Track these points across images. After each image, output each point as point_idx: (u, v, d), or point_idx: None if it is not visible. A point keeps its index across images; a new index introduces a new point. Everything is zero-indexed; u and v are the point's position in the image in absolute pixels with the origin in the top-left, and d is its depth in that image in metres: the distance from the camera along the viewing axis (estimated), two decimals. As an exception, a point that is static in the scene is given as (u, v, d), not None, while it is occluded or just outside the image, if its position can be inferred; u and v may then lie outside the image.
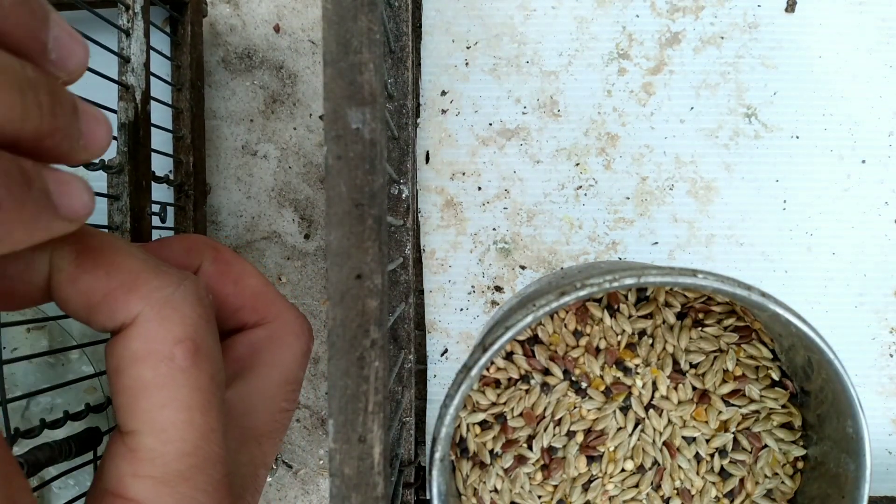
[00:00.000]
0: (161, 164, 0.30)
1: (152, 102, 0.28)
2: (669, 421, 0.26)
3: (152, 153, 0.28)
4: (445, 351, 0.35)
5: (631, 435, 0.26)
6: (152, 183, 0.29)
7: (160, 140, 0.30)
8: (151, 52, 0.28)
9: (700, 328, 0.26)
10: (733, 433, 0.26)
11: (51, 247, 0.17)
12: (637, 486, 0.26)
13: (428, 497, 0.25)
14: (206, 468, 0.17)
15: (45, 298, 0.18)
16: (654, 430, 0.26)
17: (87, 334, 0.32)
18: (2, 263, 0.16)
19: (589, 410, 0.26)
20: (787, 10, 0.34)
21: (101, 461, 0.18)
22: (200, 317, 0.17)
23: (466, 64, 0.34)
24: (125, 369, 0.17)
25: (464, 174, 0.35)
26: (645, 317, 0.26)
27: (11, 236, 0.14)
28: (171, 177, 0.32)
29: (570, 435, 0.26)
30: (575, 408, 0.26)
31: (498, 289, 0.35)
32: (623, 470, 0.26)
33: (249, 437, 0.20)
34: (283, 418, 0.21)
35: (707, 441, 0.26)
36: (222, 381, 0.18)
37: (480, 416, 0.26)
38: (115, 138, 0.27)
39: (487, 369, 0.26)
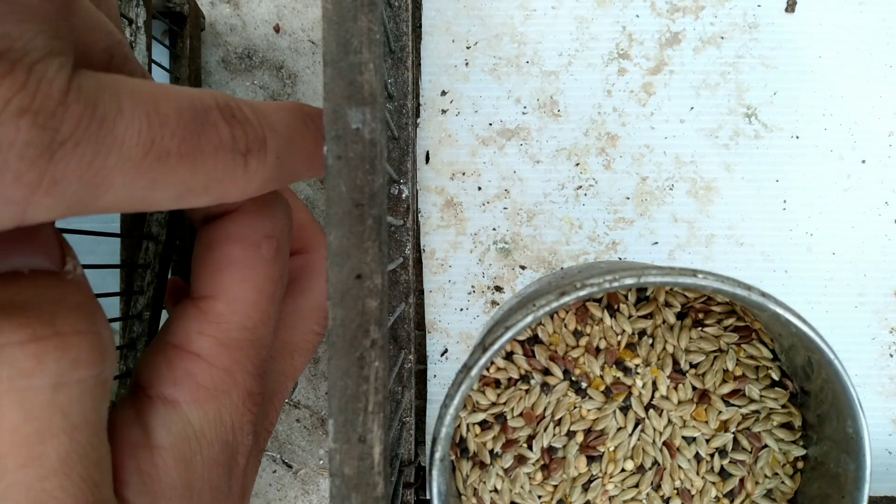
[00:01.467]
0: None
1: None
2: (669, 421, 0.26)
3: None
4: (445, 351, 0.35)
5: (631, 435, 0.26)
6: None
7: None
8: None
9: (700, 328, 0.26)
10: (733, 433, 0.26)
11: None
12: (637, 486, 0.26)
13: (428, 497, 0.25)
14: (256, 346, 0.20)
15: None
16: (654, 430, 0.26)
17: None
18: None
19: (589, 410, 0.26)
20: (787, 10, 0.34)
21: (168, 321, 0.20)
22: (286, 225, 0.21)
23: (466, 64, 0.34)
24: (218, 245, 0.19)
25: (464, 174, 0.35)
26: (645, 317, 0.26)
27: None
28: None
29: (570, 435, 0.26)
30: (575, 408, 0.26)
31: (498, 289, 0.35)
32: (623, 470, 0.26)
33: (285, 349, 0.23)
34: (313, 339, 0.24)
35: (707, 441, 0.26)
36: (284, 284, 0.21)
37: (480, 416, 0.26)
38: None
39: (487, 369, 0.26)
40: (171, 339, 0.19)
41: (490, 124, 0.34)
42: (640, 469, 0.26)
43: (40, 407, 0.14)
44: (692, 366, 0.26)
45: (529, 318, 0.22)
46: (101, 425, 0.16)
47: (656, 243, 0.35)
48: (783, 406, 0.26)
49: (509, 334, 0.22)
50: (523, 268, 0.35)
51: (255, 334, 0.20)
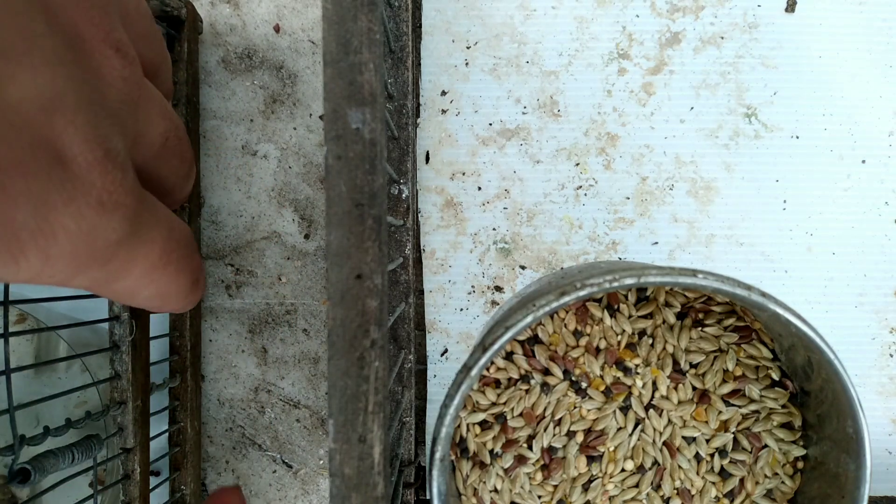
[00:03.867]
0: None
1: None
2: (669, 421, 0.26)
3: None
4: (445, 351, 0.35)
5: (631, 435, 0.26)
6: None
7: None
8: None
9: (700, 328, 0.26)
10: (733, 433, 0.26)
11: None
12: (637, 486, 0.26)
13: (428, 497, 0.25)
14: None
15: None
16: (654, 430, 0.26)
17: (78, 343, 0.32)
18: None
19: (589, 410, 0.26)
20: (787, 10, 0.34)
21: None
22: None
23: (466, 64, 0.34)
24: None
25: (464, 174, 0.35)
26: (645, 317, 0.26)
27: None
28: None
29: (570, 435, 0.26)
30: (575, 408, 0.26)
31: (498, 289, 0.35)
32: (623, 470, 0.26)
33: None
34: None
35: (707, 441, 0.26)
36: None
37: (480, 416, 0.26)
38: None
39: (487, 369, 0.26)
40: None
41: (490, 124, 0.34)
42: (640, 469, 0.26)
43: None
44: (692, 366, 0.26)
45: (529, 318, 0.22)
46: None
47: (656, 243, 0.35)
48: (783, 406, 0.26)
49: (509, 334, 0.22)
50: (523, 268, 0.35)
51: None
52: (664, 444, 0.26)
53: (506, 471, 0.26)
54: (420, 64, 0.35)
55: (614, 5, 0.34)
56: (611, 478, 0.26)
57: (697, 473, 0.26)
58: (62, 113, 0.14)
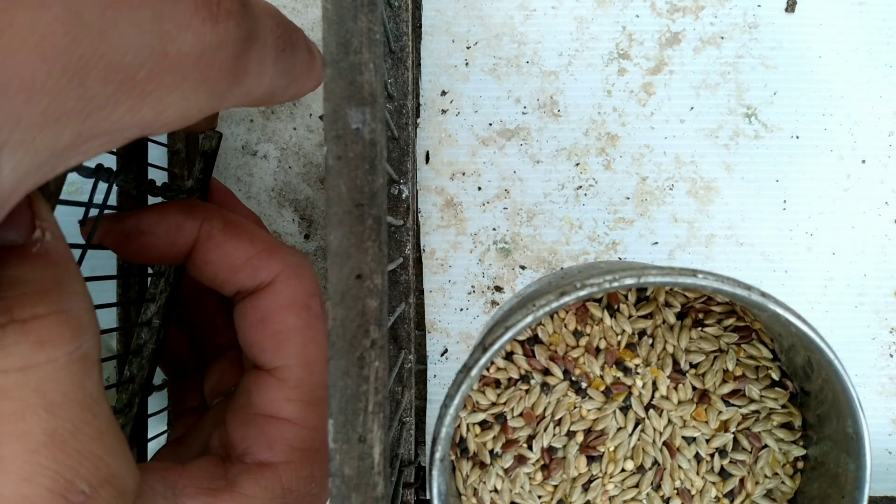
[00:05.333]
0: (157, 178, 0.31)
1: None
2: (669, 421, 0.26)
3: (148, 167, 0.29)
4: (445, 351, 0.35)
5: (631, 435, 0.26)
6: (149, 196, 0.30)
7: (156, 154, 0.31)
8: None
9: (700, 328, 0.26)
10: (733, 433, 0.26)
11: (202, 216, 0.21)
12: (637, 486, 0.26)
13: (428, 497, 0.25)
14: None
15: (178, 260, 0.22)
16: (654, 430, 0.26)
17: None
18: (155, 222, 0.21)
19: (589, 410, 0.26)
20: (787, 10, 0.34)
21: (248, 394, 0.21)
22: (318, 281, 0.22)
23: (466, 64, 0.34)
24: (272, 317, 0.20)
25: (464, 174, 0.35)
26: (645, 317, 0.26)
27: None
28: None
29: (570, 435, 0.26)
30: (575, 408, 0.26)
31: (498, 289, 0.35)
32: (623, 470, 0.26)
33: None
34: None
35: (707, 441, 0.26)
36: None
37: (480, 416, 0.26)
38: (112, 153, 0.28)
39: (487, 369, 0.26)
40: (260, 409, 0.20)
41: (490, 124, 0.34)
42: (640, 469, 0.26)
43: (12, 388, 0.14)
44: (692, 366, 0.26)
45: (529, 318, 0.22)
46: (92, 400, 0.16)
47: (656, 243, 0.35)
48: (783, 406, 0.26)
49: (509, 334, 0.22)
50: (523, 268, 0.35)
51: None
52: (664, 444, 0.26)
53: (506, 471, 0.26)
54: (420, 64, 0.35)
55: (614, 5, 0.34)
56: (611, 478, 0.26)
57: (697, 473, 0.26)
58: None
